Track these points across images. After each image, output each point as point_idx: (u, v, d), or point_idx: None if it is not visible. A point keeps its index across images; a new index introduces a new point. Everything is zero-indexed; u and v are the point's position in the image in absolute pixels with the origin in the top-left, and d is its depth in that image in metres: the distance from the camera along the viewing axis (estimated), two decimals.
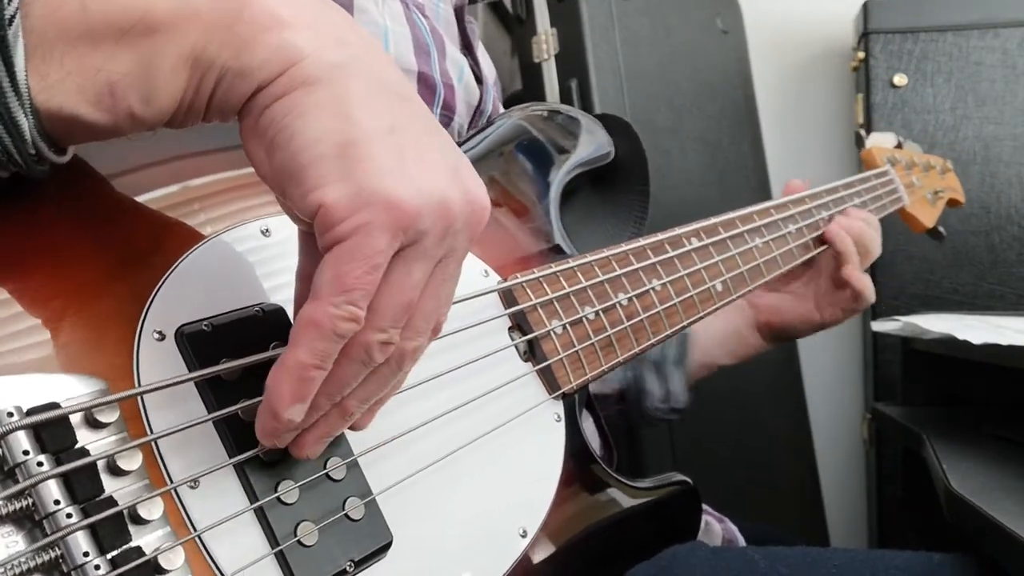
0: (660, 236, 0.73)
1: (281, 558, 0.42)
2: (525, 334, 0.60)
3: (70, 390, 0.38)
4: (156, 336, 0.42)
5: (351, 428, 0.44)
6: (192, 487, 0.40)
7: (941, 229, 1.17)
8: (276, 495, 0.43)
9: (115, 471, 0.38)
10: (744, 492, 1.39)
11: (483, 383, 0.56)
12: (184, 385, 0.41)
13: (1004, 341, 0.81)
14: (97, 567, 0.35)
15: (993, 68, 1.48)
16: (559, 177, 0.71)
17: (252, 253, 0.48)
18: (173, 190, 0.46)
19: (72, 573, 0.35)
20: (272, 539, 0.42)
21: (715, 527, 0.91)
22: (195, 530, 0.40)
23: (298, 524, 0.43)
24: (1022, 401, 1.04)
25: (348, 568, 0.44)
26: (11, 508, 0.35)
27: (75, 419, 0.37)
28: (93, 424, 0.38)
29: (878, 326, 1.21)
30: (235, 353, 0.43)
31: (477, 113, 0.82)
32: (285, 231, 0.48)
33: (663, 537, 0.67)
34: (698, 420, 1.28)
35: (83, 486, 0.36)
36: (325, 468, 0.45)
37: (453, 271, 0.41)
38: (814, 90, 1.74)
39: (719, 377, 1.01)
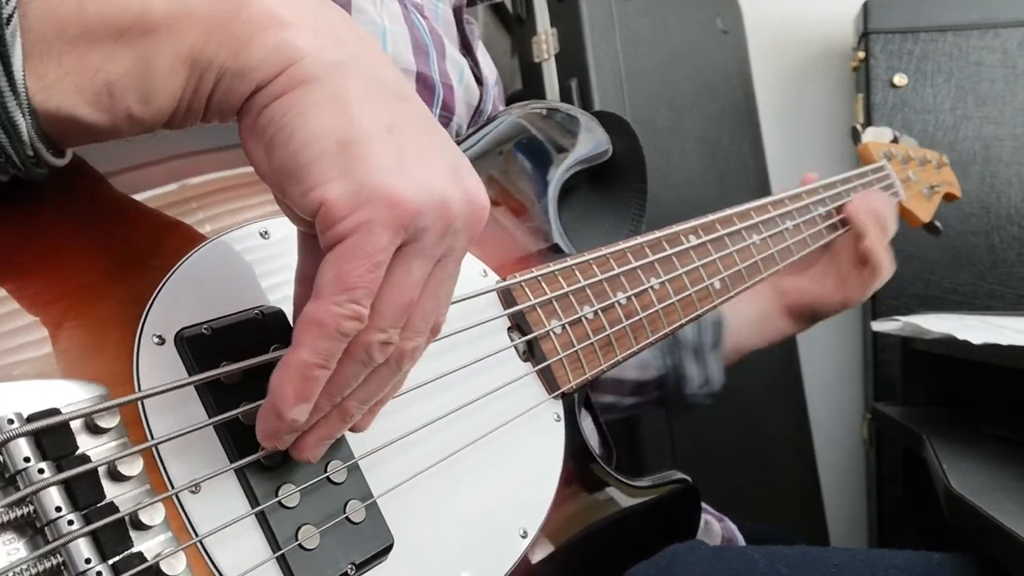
0: (658, 234, 0.73)
1: (283, 562, 0.42)
2: (524, 334, 0.60)
3: (70, 396, 0.38)
4: (156, 340, 0.42)
5: (351, 430, 0.44)
6: (193, 492, 0.40)
7: (938, 224, 1.17)
8: (277, 499, 0.43)
9: (116, 477, 0.38)
10: (744, 492, 1.39)
11: (483, 384, 0.56)
12: (184, 389, 0.41)
13: (1004, 341, 0.81)
14: (99, 573, 0.35)
15: (993, 68, 1.48)
16: (557, 175, 0.71)
17: (251, 255, 0.48)
18: (172, 191, 0.46)
19: None
20: (273, 543, 0.42)
21: (715, 526, 0.91)
22: (196, 535, 0.40)
23: (299, 528, 0.43)
24: (1022, 401, 1.04)
25: (350, 571, 0.45)
26: (12, 515, 0.35)
27: (75, 425, 0.37)
28: (94, 430, 0.38)
29: (878, 326, 1.21)
30: (235, 356, 0.43)
31: (477, 114, 0.82)
32: (284, 233, 0.48)
33: (663, 536, 0.67)
34: (698, 419, 1.28)
35: (84, 492, 0.36)
36: (326, 471, 0.45)
37: (452, 271, 0.41)
38: (814, 90, 1.74)
39: None
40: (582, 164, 0.74)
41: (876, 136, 1.15)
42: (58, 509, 0.35)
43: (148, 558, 0.37)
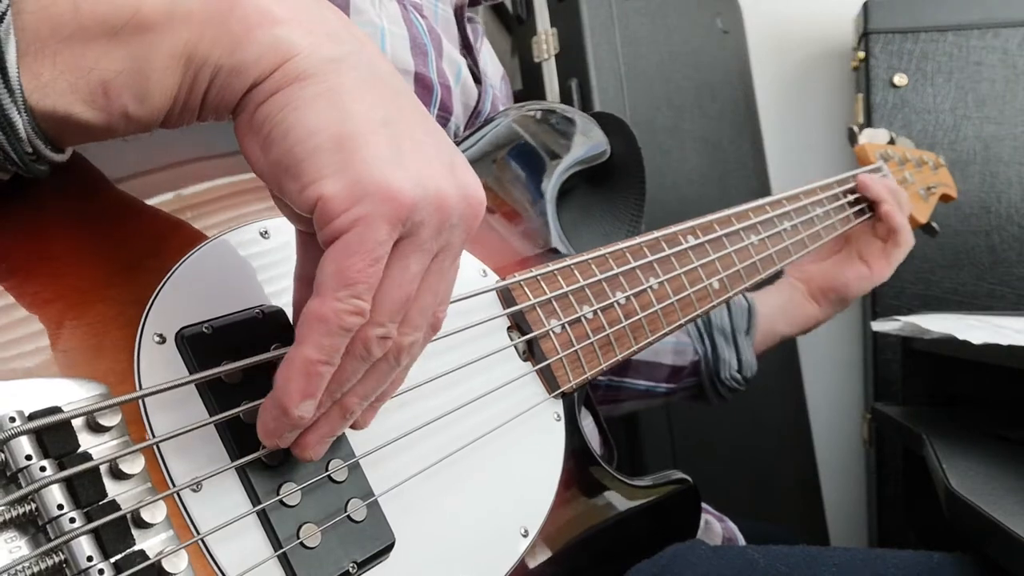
0: (657, 234, 0.73)
1: (284, 560, 0.42)
2: (524, 334, 0.60)
3: (71, 394, 0.38)
4: (157, 339, 0.42)
5: (353, 427, 0.44)
6: (194, 490, 0.41)
7: (935, 224, 1.18)
8: (278, 497, 0.43)
9: (117, 475, 0.38)
10: (744, 491, 1.39)
11: (483, 383, 0.57)
12: (185, 388, 0.41)
13: (1004, 341, 0.81)
14: (101, 571, 0.36)
15: (993, 68, 1.48)
16: (555, 178, 0.71)
17: (252, 255, 0.48)
18: (172, 193, 0.46)
19: None
20: (275, 541, 0.42)
21: (715, 526, 0.92)
22: (198, 533, 0.40)
23: (301, 526, 0.43)
24: (1022, 401, 1.04)
25: (351, 569, 0.45)
26: (14, 513, 0.35)
27: (77, 423, 0.37)
28: (95, 428, 0.38)
29: (878, 326, 1.21)
30: (236, 355, 0.43)
31: (475, 114, 0.82)
32: (284, 233, 0.48)
33: (663, 536, 0.67)
34: (698, 419, 1.28)
35: (86, 490, 0.36)
36: (327, 470, 0.45)
37: (449, 266, 0.41)
38: (814, 90, 1.74)
39: None
40: (579, 165, 0.74)
41: (872, 137, 1.15)
42: (60, 507, 0.36)
43: (150, 556, 0.37)
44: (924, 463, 0.88)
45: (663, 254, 0.72)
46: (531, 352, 0.61)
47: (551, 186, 0.71)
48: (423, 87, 0.72)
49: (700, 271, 0.76)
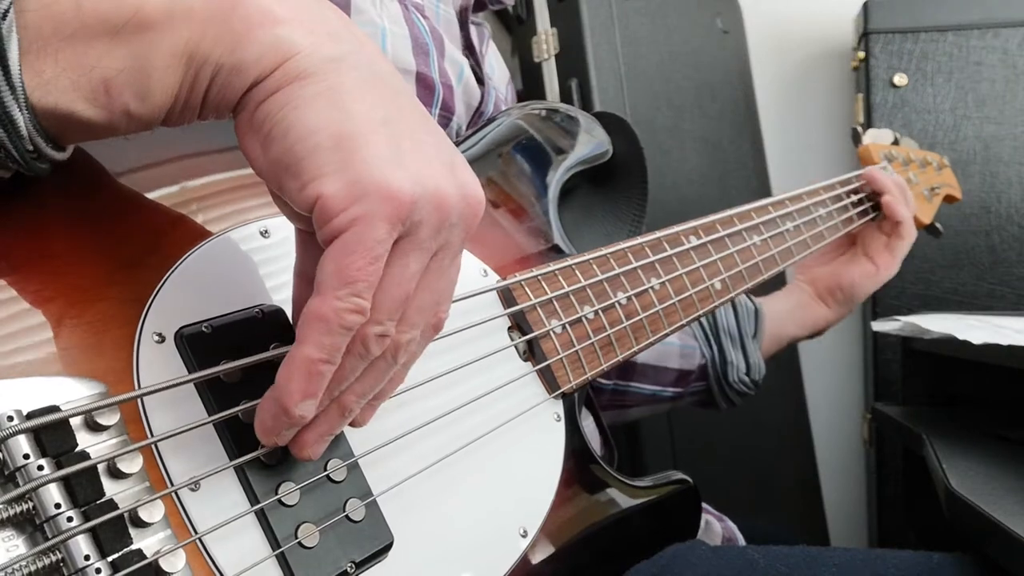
0: (658, 234, 0.73)
1: (282, 560, 0.42)
2: (524, 334, 0.60)
3: (70, 393, 0.38)
4: (156, 338, 0.42)
5: (351, 425, 0.44)
6: (193, 489, 0.40)
7: (938, 225, 1.18)
8: (277, 497, 0.43)
9: (116, 474, 0.38)
10: (744, 491, 1.39)
11: (483, 383, 0.56)
12: (184, 387, 0.41)
13: (1004, 341, 0.81)
14: (98, 570, 0.35)
15: (993, 68, 1.48)
16: (557, 176, 0.71)
17: (251, 254, 0.48)
18: (172, 191, 0.46)
19: None
20: (273, 541, 0.42)
21: (715, 526, 0.92)
22: (196, 532, 0.40)
23: (299, 526, 0.43)
24: (1022, 401, 1.04)
25: (349, 569, 0.44)
26: (12, 512, 0.35)
27: (75, 422, 0.37)
28: (93, 427, 0.38)
29: (878, 326, 1.21)
30: (235, 354, 0.43)
31: (477, 114, 0.82)
32: (284, 232, 0.48)
33: (663, 536, 0.67)
34: (698, 419, 1.28)
35: (84, 489, 0.36)
36: (326, 469, 0.45)
37: (448, 265, 0.41)
38: (814, 90, 1.74)
39: None
40: (582, 165, 0.74)
41: (876, 138, 1.15)
42: (57, 506, 0.35)
43: (147, 555, 0.37)
44: (924, 463, 0.88)
45: (665, 254, 0.72)
46: (531, 352, 0.61)
47: (553, 184, 0.71)
48: (425, 87, 0.72)
49: (702, 271, 0.75)
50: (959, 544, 0.68)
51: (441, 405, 0.53)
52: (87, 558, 0.35)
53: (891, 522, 1.49)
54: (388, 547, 0.47)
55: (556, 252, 0.68)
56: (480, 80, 0.82)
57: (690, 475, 0.71)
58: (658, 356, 0.96)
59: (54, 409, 0.36)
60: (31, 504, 0.35)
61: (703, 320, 0.99)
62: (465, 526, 0.53)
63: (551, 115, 0.74)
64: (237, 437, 0.42)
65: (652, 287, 0.70)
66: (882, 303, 1.47)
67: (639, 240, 0.71)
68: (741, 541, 0.93)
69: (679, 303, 0.72)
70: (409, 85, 0.70)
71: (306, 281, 0.43)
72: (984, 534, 0.63)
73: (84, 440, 0.37)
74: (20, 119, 0.34)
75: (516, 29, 1.36)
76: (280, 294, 0.47)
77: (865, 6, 1.52)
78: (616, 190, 0.80)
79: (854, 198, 1.03)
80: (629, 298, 0.68)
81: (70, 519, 0.36)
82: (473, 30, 0.84)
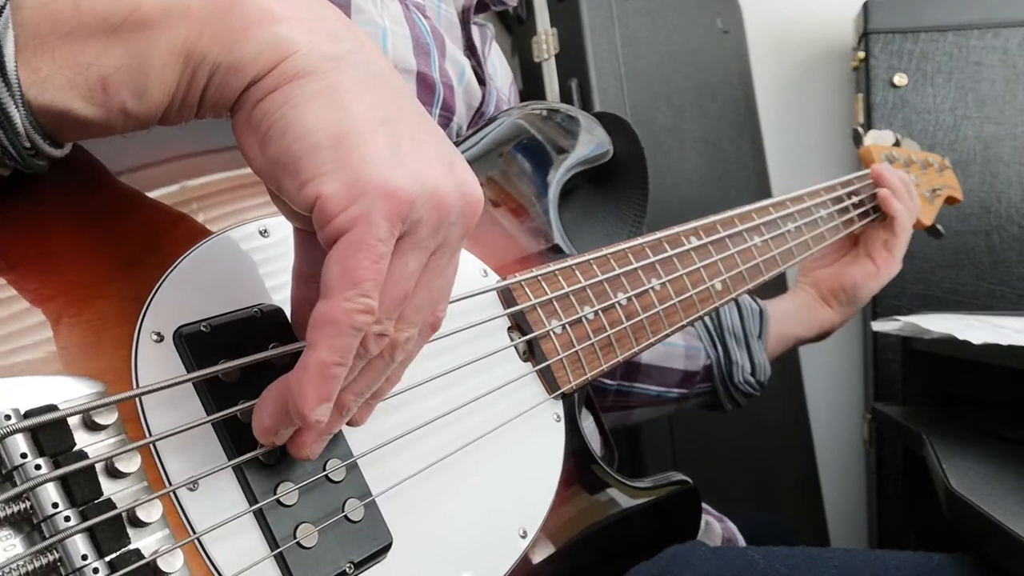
0: (659, 235, 0.73)
1: (280, 560, 0.42)
2: (524, 334, 0.60)
3: (68, 392, 0.38)
4: (155, 337, 0.42)
5: (349, 424, 0.44)
6: (191, 489, 0.40)
7: (940, 227, 1.18)
8: (275, 497, 0.43)
9: (114, 473, 0.38)
10: (744, 492, 1.39)
11: (482, 383, 0.56)
12: (183, 386, 0.41)
13: (1004, 341, 0.81)
14: (96, 570, 0.35)
15: (993, 68, 1.48)
16: (558, 176, 0.71)
17: (251, 254, 0.48)
18: (172, 190, 0.46)
19: None
20: (271, 541, 0.42)
21: (715, 527, 0.91)
22: (194, 532, 0.40)
23: (297, 526, 0.43)
24: (1022, 401, 1.04)
25: (348, 569, 0.44)
26: (9, 511, 0.35)
27: (73, 421, 0.37)
28: (91, 426, 0.38)
29: (878, 326, 1.21)
30: (234, 354, 0.42)
31: (478, 114, 0.82)
32: (283, 231, 0.48)
33: (663, 537, 0.66)
34: (698, 419, 1.28)
35: (81, 489, 0.36)
36: (324, 470, 0.45)
37: (447, 263, 0.41)
38: (814, 90, 1.74)
39: None
40: (583, 165, 0.74)
41: (878, 139, 1.15)
42: (55, 505, 0.35)
43: (145, 555, 0.37)
44: (924, 463, 0.88)
45: (665, 255, 0.72)
46: (531, 352, 0.61)
47: (554, 184, 0.71)
48: (425, 86, 0.72)
49: (703, 272, 0.75)
50: (959, 544, 0.68)
51: (441, 405, 0.53)
52: (84, 558, 0.35)
53: (891, 522, 1.49)
54: (387, 547, 0.47)
55: (556, 252, 0.68)
56: (482, 81, 0.82)
57: (690, 475, 0.71)
58: (663, 357, 0.96)
59: (52, 408, 0.36)
60: (28, 503, 0.35)
61: (708, 321, 0.99)
62: (464, 526, 0.52)
63: (552, 115, 0.74)
64: (236, 437, 0.42)
65: (652, 288, 0.70)
66: (882, 303, 1.47)
67: (639, 240, 0.71)
68: (741, 542, 0.92)
69: (679, 304, 0.72)
70: (410, 85, 0.70)
71: (305, 280, 0.43)
72: (984, 534, 0.63)
73: (82, 439, 0.37)
74: (16, 116, 0.34)
75: (516, 29, 1.36)
76: (279, 294, 0.47)
77: (865, 6, 1.52)
78: (616, 190, 0.80)
79: (855, 199, 1.03)
80: (629, 298, 0.68)
81: (67, 518, 0.35)
82: (475, 31, 0.83)
